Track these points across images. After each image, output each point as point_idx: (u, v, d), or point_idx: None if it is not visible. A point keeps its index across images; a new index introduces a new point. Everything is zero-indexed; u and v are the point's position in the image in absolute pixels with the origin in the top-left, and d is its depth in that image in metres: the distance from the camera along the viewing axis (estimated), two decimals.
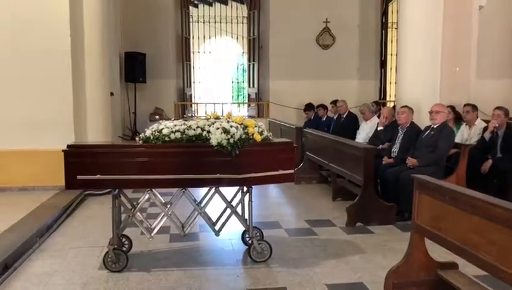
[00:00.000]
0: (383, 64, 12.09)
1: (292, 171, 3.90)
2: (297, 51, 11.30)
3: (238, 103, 15.60)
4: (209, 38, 13.59)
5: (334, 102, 9.18)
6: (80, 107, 6.58)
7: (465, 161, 5.26)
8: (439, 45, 6.44)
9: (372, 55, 11.91)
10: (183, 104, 11.70)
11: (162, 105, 11.01)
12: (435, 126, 5.39)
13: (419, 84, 6.53)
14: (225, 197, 3.98)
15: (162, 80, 11.00)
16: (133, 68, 10.22)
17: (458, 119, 6.44)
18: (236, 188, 4.04)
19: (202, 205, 4.01)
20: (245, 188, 3.96)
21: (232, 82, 15.58)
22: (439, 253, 3.22)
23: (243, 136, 3.67)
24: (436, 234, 2.87)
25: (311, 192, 6.80)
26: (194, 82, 12.63)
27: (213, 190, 3.95)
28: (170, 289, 3.46)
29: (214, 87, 14.06)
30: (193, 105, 12.48)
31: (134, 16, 10.57)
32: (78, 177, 3.59)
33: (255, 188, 4.02)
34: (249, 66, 12.38)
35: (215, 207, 4.14)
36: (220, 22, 12.99)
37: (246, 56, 13.00)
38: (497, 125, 5.71)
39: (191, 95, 12.23)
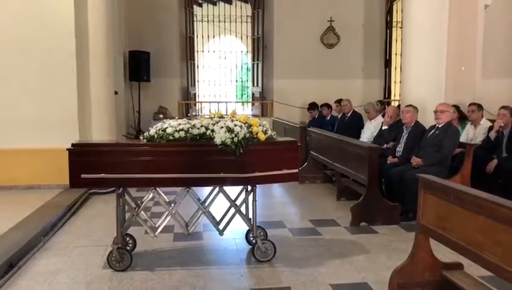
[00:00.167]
0: (387, 63, 12.06)
1: (296, 170, 3.89)
2: (301, 50, 11.29)
3: (242, 102, 15.62)
4: (213, 37, 13.59)
5: (339, 101, 9.17)
6: (85, 107, 6.63)
7: (470, 160, 5.23)
8: (445, 44, 6.40)
9: (376, 54, 11.88)
10: (187, 103, 11.72)
11: (166, 104, 11.03)
12: (439, 125, 5.36)
13: (424, 84, 6.49)
14: (229, 197, 3.98)
15: (166, 78, 11.02)
16: (138, 67, 10.24)
17: (462, 118, 6.41)
18: (240, 187, 4.03)
19: (206, 204, 4.01)
20: (249, 188, 3.95)
21: (236, 81, 15.57)
22: (444, 253, 3.21)
23: (247, 135, 3.66)
24: (441, 234, 2.85)
25: (316, 191, 6.79)
26: (198, 81, 12.65)
27: (217, 189, 3.94)
28: (174, 288, 3.46)
29: (218, 86, 14.05)
30: (197, 104, 12.49)
31: (138, 15, 10.59)
32: (83, 176, 3.60)
33: (259, 188, 4.01)
34: (253, 65, 12.39)
35: (219, 206, 4.14)
36: (224, 21, 12.99)
37: (250, 55, 12.99)
38: (502, 124, 5.68)
39: (195, 94, 12.25)
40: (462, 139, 5.94)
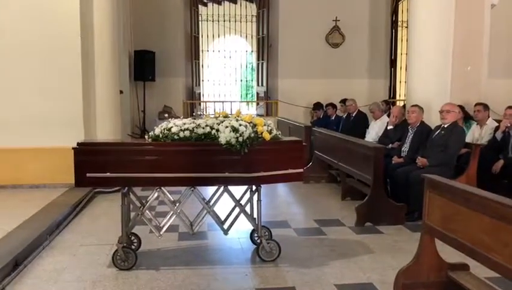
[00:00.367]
0: (392, 63, 12.03)
1: (301, 170, 3.88)
2: (306, 50, 11.28)
3: (247, 102, 15.62)
4: (218, 37, 13.59)
5: (344, 101, 9.15)
6: (90, 106, 6.66)
7: (476, 160, 5.21)
8: (451, 44, 6.37)
9: (382, 54, 11.85)
10: (192, 103, 11.73)
11: (170, 103, 11.05)
12: (445, 125, 5.34)
13: (429, 83, 6.46)
14: (234, 196, 3.97)
15: (171, 78, 11.04)
16: (143, 66, 10.27)
17: (467, 118, 6.38)
18: (245, 187, 4.03)
19: (211, 203, 4.01)
20: (254, 187, 3.95)
21: (241, 80, 15.58)
22: (449, 254, 3.18)
23: (252, 134, 3.65)
24: (447, 235, 2.84)
25: (320, 191, 6.77)
26: (202, 80, 12.66)
27: (222, 188, 3.94)
28: (179, 287, 3.46)
29: (223, 85, 14.06)
30: (202, 103, 12.51)
31: (143, 14, 10.62)
32: (88, 175, 3.61)
33: (263, 187, 4.01)
34: (258, 64, 12.38)
35: (223, 206, 4.14)
36: (229, 21, 12.99)
37: (254, 55, 12.99)
38: (509, 124, 5.65)
39: (199, 94, 12.27)
40: (468, 139, 5.91)
